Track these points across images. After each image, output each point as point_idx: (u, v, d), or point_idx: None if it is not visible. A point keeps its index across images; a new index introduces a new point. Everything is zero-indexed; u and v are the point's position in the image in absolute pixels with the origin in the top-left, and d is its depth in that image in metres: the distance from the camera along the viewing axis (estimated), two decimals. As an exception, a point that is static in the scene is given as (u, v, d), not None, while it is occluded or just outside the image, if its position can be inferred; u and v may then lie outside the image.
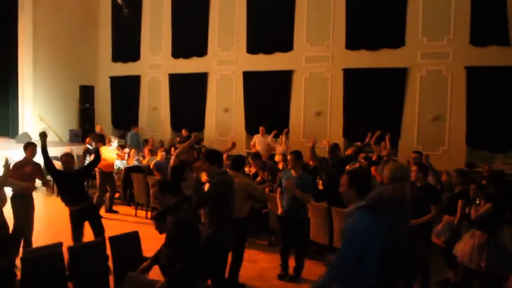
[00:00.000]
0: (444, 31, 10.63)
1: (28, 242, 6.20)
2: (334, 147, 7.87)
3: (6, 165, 5.76)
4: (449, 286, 6.08)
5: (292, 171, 6.30)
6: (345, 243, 3.36)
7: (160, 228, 4.80)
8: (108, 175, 9.70)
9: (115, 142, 10.16)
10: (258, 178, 8.62)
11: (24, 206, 6.23)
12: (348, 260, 3.25)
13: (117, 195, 10.50)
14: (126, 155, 11.06)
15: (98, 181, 9.67)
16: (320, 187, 8.40)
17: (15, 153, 11.32)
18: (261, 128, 11.91)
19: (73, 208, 6.14)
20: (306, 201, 6.33)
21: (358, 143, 9.51)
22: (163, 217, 4.38)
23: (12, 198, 6.21)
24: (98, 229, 6.28)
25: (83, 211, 6.17)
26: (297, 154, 6.37)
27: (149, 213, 9.37)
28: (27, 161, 6.52)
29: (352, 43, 11.77)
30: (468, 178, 6.34)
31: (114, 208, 9.96)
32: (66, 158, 6.36)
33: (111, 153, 9.81)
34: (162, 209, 4.45)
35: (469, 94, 10.37)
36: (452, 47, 10.58)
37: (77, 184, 6.28)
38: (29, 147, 6.62)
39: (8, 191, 5.91)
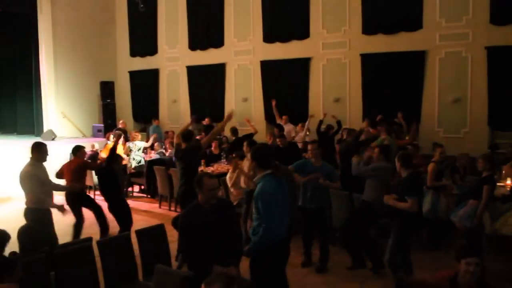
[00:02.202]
0: (462, 11, 10.45)
1: None
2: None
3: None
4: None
5: (313, 160, 6.33)
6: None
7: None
8: None
9: (110, 137, 10.52)
10: None
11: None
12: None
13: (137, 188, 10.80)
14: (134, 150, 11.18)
15: None
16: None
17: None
18: (284, 117, 11.98)
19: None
20: (337, 188, 6.57)
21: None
22: None
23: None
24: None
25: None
26: (319, 144, 6.44)
27: (172, 205, 9.53)
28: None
29: (369, 28, 11.67)
30: (494, 163, 6.30)
31: (139, 200, 10.21)
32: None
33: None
34: None
35: (490, 74, 10.20)
36: (471, 27, 10.40)
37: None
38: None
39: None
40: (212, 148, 10.71)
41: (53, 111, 14.63)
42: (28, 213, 5.63)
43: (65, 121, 14.14)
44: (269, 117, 13.24)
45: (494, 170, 6.26)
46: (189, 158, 6.74)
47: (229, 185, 7.66)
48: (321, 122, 10.60)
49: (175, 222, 4.84)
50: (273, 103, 12.27)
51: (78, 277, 4.48)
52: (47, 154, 5.89)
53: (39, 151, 5.74)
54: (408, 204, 5.15)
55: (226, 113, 13.99)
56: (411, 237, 5.51)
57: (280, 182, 4.33)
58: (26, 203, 5.66)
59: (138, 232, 5.14)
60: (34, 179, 5.64)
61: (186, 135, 6.93)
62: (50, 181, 6.01)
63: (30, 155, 5.75)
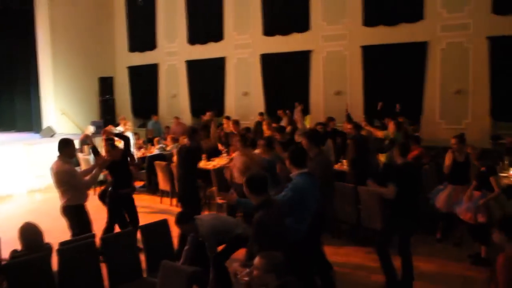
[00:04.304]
0: (463, 1, 10.39)
1: None
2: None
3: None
4: (480, 260, 6.05)
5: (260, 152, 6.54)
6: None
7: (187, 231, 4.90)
8: None
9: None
10: None
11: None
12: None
13: (140, 183, 10.73)
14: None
15: None
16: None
17: (39, 147, 11.59)
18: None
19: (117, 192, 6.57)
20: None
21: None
22: None
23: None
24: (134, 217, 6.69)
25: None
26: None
27: (174, 201, 9.48)
28: None
29: (369, 20, 11.59)
30: (487, 157, 6.36)
31: (140, 196, 10.16)
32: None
33: None
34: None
35: (492, 65, 10.15)
36: (472, 17, 10.33)
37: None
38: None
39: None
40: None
41: (51, 108, 14.56)
42: (70, 211, 5.58)
43: (64, 117, 14.07)
44: (270, 111, 13.17)
45: (490, 162, 6.29)
46: (188, 158, 6.67)
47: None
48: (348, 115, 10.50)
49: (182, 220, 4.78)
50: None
51: (82, 274, 4.44)
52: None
53: (70, 147, 5.66)
54: (386, 190, 5.31)
55: (226, 108, 14.06)
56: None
57: (314, 183, 4.53)
58: (67, 201, 5.56)
59: (142, 228, 5.09)
60: (75, 175, 5.62)
61: (190, 132, 6.82)
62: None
63: (58, 153, 5.61)
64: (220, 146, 10.40)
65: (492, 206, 5.97)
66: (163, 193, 9.91)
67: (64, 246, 4.54)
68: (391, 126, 8.89)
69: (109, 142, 6.76)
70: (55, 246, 4.56)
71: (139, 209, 6.93)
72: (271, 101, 13.31)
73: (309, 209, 4.51)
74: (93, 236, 4.97)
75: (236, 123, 10.98)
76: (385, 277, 5.38)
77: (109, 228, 6.52)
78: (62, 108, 14.33)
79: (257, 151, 6.91)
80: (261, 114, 12.57)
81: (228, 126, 11.42)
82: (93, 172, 5.95)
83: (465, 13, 10.41)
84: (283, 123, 11.17)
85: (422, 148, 9.43)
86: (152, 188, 10.58)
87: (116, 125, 11.16)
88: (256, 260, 3.07)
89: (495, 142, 10.15)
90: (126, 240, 4.94)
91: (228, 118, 12.15)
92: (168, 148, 11.24)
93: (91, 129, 11.37)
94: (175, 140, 11.20)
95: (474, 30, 10.32)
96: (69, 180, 5.50)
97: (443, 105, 10.85)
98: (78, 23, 15.21)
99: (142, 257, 4.94)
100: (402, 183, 5.23)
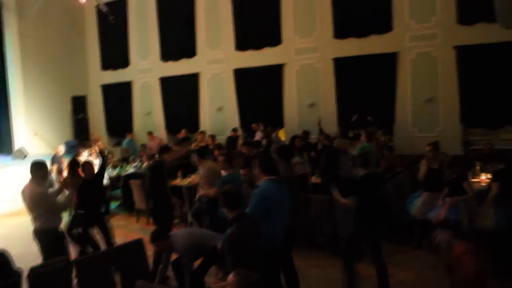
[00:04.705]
0: (430, 12, 10.63)
1: None
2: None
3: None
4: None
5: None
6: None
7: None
8: None
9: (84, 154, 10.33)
10: None
11: None
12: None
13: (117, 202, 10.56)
14: None
15: None
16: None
17: (11, 170, 11.34)
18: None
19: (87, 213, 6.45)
20: None
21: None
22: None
23: None
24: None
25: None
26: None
27: (151, 220, 9.34)
28: None
29: (340, 32, 11.75)
30: (457, 166, 6.55)
31: (116, 215, 10.01)
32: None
33: None
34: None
35: (460, 73, 10.38)
36: (439, 27, 10.58)
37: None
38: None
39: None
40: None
41: (23, 128, 14.29)
42: (44, 235, 5.38)
43: (36, 138, 13.81)
44: (244, 125, 13.18)
45: (459, 169, 6.46)
46: (155, 173, 6.73)
47: None
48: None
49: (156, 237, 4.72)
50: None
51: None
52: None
53: (43, 169, 5.51)
54: (347, 200, 5.57)
55: (200, 123, 14.03)
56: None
57: (282, 189, 4.54)
58: (41, 225, 5.37)
59: (116, 249, 5.01)
60: (50, 198, 5.51)
61: (160, 149, 6.90)
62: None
63: (30, 176, 5.46)
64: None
65: (462, 211, 6.08)
66: (139, 212, 9.78)
67: (35, 272, 4.42)
68: (363, 137, 8.99)
69: (72, 171, 6.67)
70: (26, 272, 4.43)
71: (115, 229, 6.82)
72: (246, 115, 13.33)
73: (279, 217, 4.49)
74: (66, 260, 4.86)
75: (213, 137, 10.99)
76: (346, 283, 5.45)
77: (82, 251, 6.40)
78: (34, 129, 14.09)
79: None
80: (234, 129, 12.55)
81: (203, 141, 11.37)
82: (67, 194, 5.83)
83: (432, 24, 10.64)
84: (258, 136, 11.19)
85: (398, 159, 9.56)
86: (128, 207, 10.43)
87: (89, 145, 10.97)
88: (230, 277, 3.03)
89: (467, 149, 10.37)
90: (100, 262, 4.85)
91: (203, 133, 12.12)
92: (144, 165, 11.10)
93: (61, 149, 11.21)
94: (150, 157, 11.07)
95: (442, 40, 10.56)
96: (44, 203, 5.36)
97: (415, 114, 11.02)
98: (49, 42, 15.04)
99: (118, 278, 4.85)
100: (363, 194, 5.34)
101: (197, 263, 4.94)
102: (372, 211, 5.33)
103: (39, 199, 5.34)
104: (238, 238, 3.79)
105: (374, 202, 5.35)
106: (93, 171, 6.63)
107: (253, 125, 12.10)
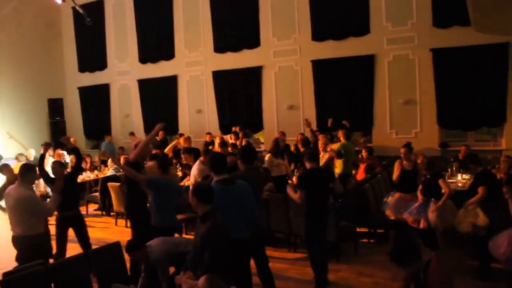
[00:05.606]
0: (407, 15, 10.77)
1: None
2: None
3: None
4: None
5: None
6: None
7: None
8: None
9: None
10: None
11: None
12: None
13: (96, 206, 10.43)
14: None
15: None
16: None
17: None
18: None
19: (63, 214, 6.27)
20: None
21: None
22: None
23: None
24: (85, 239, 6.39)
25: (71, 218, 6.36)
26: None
27: (129, 222, 9.25)
28: None
29: (318, 35, 11.83)
30: (434, 165, 6.58)
31: (95, 219, 9.88)
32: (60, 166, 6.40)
33: None
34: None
35: (437, 75, 10.53)
36: (416, 30, 10.72)
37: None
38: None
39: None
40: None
41: (-3, 132, 14.01)
42: (26, 241, 5.18)
43: (11, 141, 13.54)
44: (224, 128, 13.15)
45: (437, 169, 6.52)
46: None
47: None
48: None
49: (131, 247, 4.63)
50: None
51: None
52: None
53: (32, 172, 5.39)
54: (295, 195, 5.53)
55: (179, 126, 13.93)
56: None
57: (231, 190, 4.44)
58: (24, 231, 5.17)
59: (93, 251, 4.93)
60: (38, 202, 5.38)
61: (132, 165, 6.80)
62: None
63: (19, 179, 5.29)
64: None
65: (441, 213, 6.15)
66: (118, 215, 9.68)
67: (8, 277, 4.30)
68: (341, 135, 9.10)
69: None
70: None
71: (93, 232, 6.71)
72: (225, 117, 13.30)
73: (233, 218, 4.34)
74: (41, 264, 4.75)
75: (188, 139, 10.94)
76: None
77: (60, 253, 6.26)
78: (8, 131, 13.82)
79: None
80: (208, 133, 12.48)
81: (180, 143, 11.34)
82: (52, 197, 5.69)
83: (409, 27, 10.78)
84: (231, 139, 11.13)
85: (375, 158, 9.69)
86: (106, 210, 10.36)
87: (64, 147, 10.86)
88: (201, 281, 3.01)
89: (444, 150, 10.53)
90: (77, 265, 4.76)
91: (181, 135, 12.04)
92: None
93: (31, 153, 11.04)
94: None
95: (418, 42, 10.70)
96: (32, 207, 5.19)
97: (392, 116, 11.14)
98: (24, 43, 14.79)
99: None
100: (309, 188, 5.42)
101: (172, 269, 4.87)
102: (319, 204, 5.46)
103: (26, 203, 5.16)
104: (216, 232, 3.77)
105: (321, 196, 5.49)
106: (63, 171, 6.43)
107: (234, 128, 12.04)
